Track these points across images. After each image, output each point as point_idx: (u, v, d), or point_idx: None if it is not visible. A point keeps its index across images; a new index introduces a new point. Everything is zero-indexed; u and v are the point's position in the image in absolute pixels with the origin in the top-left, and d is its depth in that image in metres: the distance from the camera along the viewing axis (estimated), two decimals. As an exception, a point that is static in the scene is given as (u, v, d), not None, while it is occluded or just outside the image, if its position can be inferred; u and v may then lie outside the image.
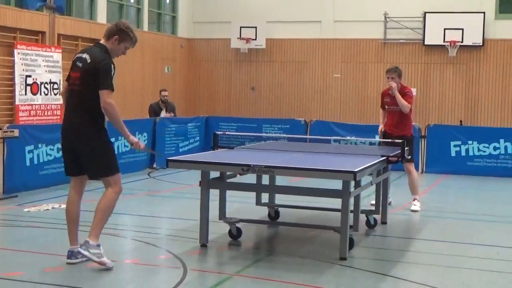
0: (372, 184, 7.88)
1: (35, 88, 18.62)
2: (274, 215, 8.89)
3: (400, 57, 24.25)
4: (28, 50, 18.40)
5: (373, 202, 9.74)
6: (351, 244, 7.15)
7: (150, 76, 24.19)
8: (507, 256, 7.31)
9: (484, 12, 23.20)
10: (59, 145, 11.17)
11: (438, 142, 14.55)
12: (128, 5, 23.80)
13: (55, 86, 19.26)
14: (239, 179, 8.06)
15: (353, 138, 13.63)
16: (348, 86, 25.02)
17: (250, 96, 26.10)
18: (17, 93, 18.00)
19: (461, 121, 23.47)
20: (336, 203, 6.88)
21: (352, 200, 7.05)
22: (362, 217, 8.17)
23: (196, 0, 26.56)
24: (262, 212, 9.00)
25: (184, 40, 26.46)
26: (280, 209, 8.97)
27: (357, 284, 6.10)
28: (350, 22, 24.70)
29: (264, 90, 25.90)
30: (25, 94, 18.28)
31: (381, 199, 8.64)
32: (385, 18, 24.42)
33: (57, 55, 19.34)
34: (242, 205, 9.55)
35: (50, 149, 11.16)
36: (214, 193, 7.55)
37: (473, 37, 23.25)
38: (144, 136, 13.90)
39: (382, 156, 7.87)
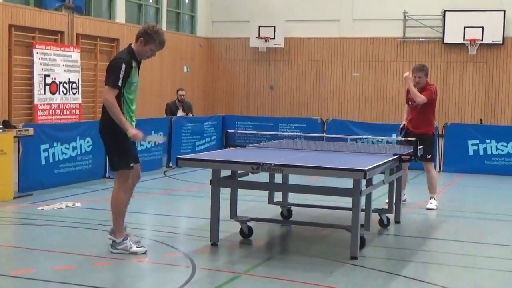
0: (384, 183, 7.81)
1: (54, 87, 18.76)
2: (287, 214, 8.85)
3: (419, 55, 24.11)
4: (47, 49, 18.55)
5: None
6: (363, 243, 7.09)
7: (169, 76, 24.26)
8: (521, 256, 7.23)
9: (504, 10, 23.01)
10: (74, 144, 11.35)
11: (455, 141, 14.42)
12: (147, 5, 23.88)
13: (74, 85, 19.39)
14: (251, 177, 8.03)
15: (369, 137, 13.53)
16: (367, 85, 24.92)
17: (269, 95, 26.09)
18: (36, 92, 18.16)
19: (481, 120, 23.28)
20: (349, 202, 6.82)
21: (363, 199, 6.99)
22: (375, 216, 8.12)
23: (214, -1, 26.61)
24: (275, 211, 8.97)
25: (203, 39, 26.51)
26: (293, 208, 8.93)
27: (366, 283, 6.05)
28: (369, 21, 24.61)
29: (282, 89, 25.88)
30: (44, 93, 18.42)
31: (394, 198, 8.56)
32: (404, 16, 24.29)
33: (75, 55, 19.48)
34: (255, 203, 9.53)
35: (66, 148, 11.20)
36: (228, 192, 7.54)
37: (493, 35, 23.08)
38: (160, 135, 13.91)
39: (394, 154, 7.79)
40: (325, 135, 14.12)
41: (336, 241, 7.64)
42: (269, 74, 26.12)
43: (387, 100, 24.44)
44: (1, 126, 9.89)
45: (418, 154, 8.12)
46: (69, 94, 19.23)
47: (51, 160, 10.89)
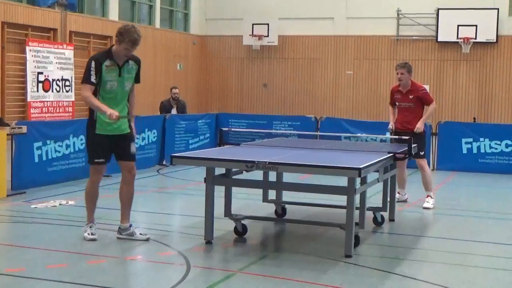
0: (379, 181, 7.80)
1: (47, 85, 18.70)
2: (281, 212, 8.84)
3: (413, 54, 24.14)
4: (40, 47, 18.49)
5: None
6: (357, 242, 7.09)
7: (162, 73, 24.22)
8: (515, 254, 7.23)
9: (497, 9, 23.07)
10: (68, 142, 11.32)
11: (449, 139, 14.44)
12: (140, 2, 23.83)
13: (67, 83, 19.33)
14: (245, 175, 8.01)
15: (363, 135, 13.54)
16: (361, 83, 24.94)
17: (262, 93, 26.08)
18: (29, 90, 18.10)
19: (474, 118, 23.32)
20: (344, 200, 6.82)
21: (358, 197, 6.99)
22: (370, 214, 8.12)
23: (208, -3, 26.57)
24: (269, 209, 8.97)
25: (196, 37, 26.47)
26: (287, 206, 8.93)
27: (361, 281, 6.04)
28: (363, 19, 24.62)
29: (276, 87, 25.87)
30: (37, 91, 18.36)
31: (388, 196, 8.56)
32: (398, 14, 24.32)
33: (69, 52, 19.42)
34: (250, 202, 9.52)
35: (59, 145, 11.17)
36: (222, 190, 7.52)
37: (486, 34, 23.12)
38: (154, 133, 13.89)
39: (389, 152, 7.79)
40: (319, 133, 14.11)
41: (331, 239, 7.64)
42: (262, 72, 26.11)
43: (380, 98, 24.44)
44: (-6, 124, 9.86)
45: (413, 152, 8.11)
46: (62, 91, 19.17)
47: (44, 158, 10.85)
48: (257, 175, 8.05)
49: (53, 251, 6.71)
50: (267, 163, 6.66)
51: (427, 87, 22.19)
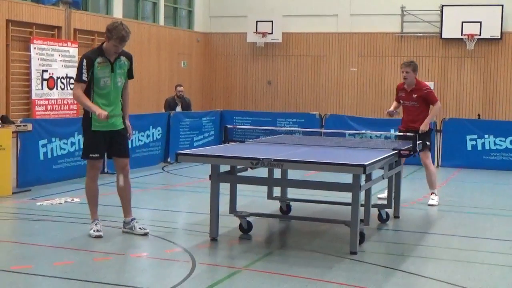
0: (383, 178, 7.81)
1: (51, 82, 18.71)
2: (286, 209, 8.86)
3: (417, 50, 24.11)
4: (44, 45, 18.50)
5: (380, 196, 9.72)
6: (362, 238, 7.10)
7: (166, 71, 24.23)
8: (520, 251, 7.24)
9: (502, 5, 23.02)
10: (73, 139, 11.35)
11: (454, 136, 14.44)
12: (144, 0, 23.83)
13: (72, 80, 19.32)
14: (250, 173, 8.03)
15: (368, 132, 13.54)
16: (365, 80, 24.91)
17: (267, 90, 26.07)
18: (33, 87, 18.12)
19: (479, 115, 23.29)
20: (349, 197, 6.83)
21: (362, 194, 7.00)
22: (374, 211, 8.13)
23: (212, -6, 26.56)
24: (274, 206, 8.98)
25: (201, 35, 26.47)
26: (292, 203, 8.94)
27: (366, 278, 6.04)
28: (367, 16, 24.59)
29: (280, 84, 25.86)
30: (42, 88, 18.39)
31: (393, 193, 8.57)
32: (402, 11, 24.28)
33: (73, 50, 19.43)
34: (255, 199, 9.54)
35: (64, 143, 11.20)
36: (227, 187, 7.54)
37: (491, 30, 23.07)
38: (159, 130, 13.91)
39: (393, 149, 7.80)
40: (323, 130, 14.12)
41: (336, 236, 7.65)
42: (267, 69, 26.10)
43: (385, 95, 24.42)
44: (0, 122, 9.87)
45: (418, 149, 8.12)
46: (67, 89, 19.18)
47: (49, 156, 10.88)
48: (262, 172, 8.07)
49: (59, 248, 6.74)
50: (272, 160, 6.67)
51: (431, 84, 22.19)
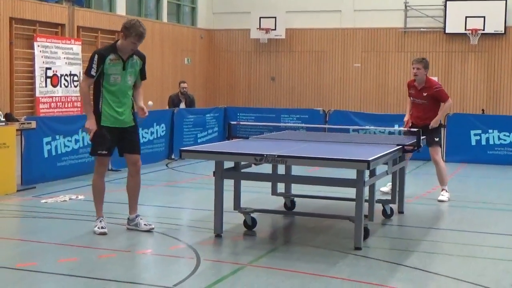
0: (388, 174, 7.81)
1: (55, 80, 18.74)
2: (290, 205, 8.86)
3: (421, 46, 24.07)
4: (48, 42, 18.53)
5: (382, 189, 9.72)
6: (366, 234, 7.10)
7: (170, 68, 24.23)
8: (524, 246, 7.23)
9: (506, 0, 22.93)
10: (77, 137, 11.36)
11: (458, 131, 14.42)
12: (147, -3, 23.83)
13: (75, 78, 19.37)
14: (254, 169, 8.03)
15: (372, 127, 13.53)
16: (368, 76, 24.89)
17: (270, 86, 26.06)
18: (37, 85, 18.15)
19: (483, 110, 23.25)
20: (353, 192, 6.82)
21: (366, 190, 6.99)
22: (379, 207, 8.13)
23: (215, -10, 26.55)
24: (278, 202, 8.98)
25: (204, 31, 26.47)
26: (296, 199, 8.94)
27: (371, 274, 6.04)
28: (370, 11, 24.56)
29: (284, 80, 25.85)
30: (45, 86, 18.42)
31: (397, 188, 8.57)
32: (406, 6, 24.24)
33: (76, 47, 19.46)
34: (259, 195, 9.54)
35: (68, 140, 11.21)
36: (231, 183, 7.54)
37: (494, 25, 23.02)
38: (162, 127, 13.92)
39: (397, 145, 7.79)
40: (327, 126, 14.11)
41: (340, 231, 7.65)
42: (270, 65, 26.09)
43: (389, 91, 24.40)
44: (4, 119, 9.89)
45: (421, 144, 8.11)
46: (71, 86, 19.22)
47: (53, 153, 10.90)
48: (266, 168, 8.07)
49: (63, 245, 6.75)
50: (276, 156, 6.67)
51: (435, 78, 22.13)
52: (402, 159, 8.47)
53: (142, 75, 7.43)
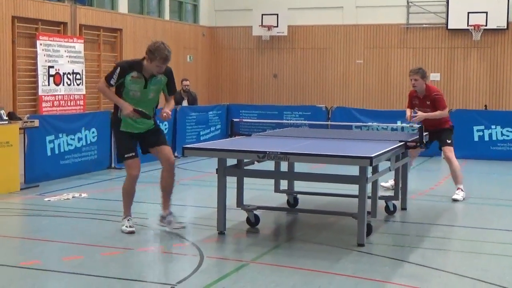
0: (390, 170, 7.81)
1: (58, 78, 18.74)
2: (293, 202, 8.87)
3: (423, 42, 24.02)
4: (50, 41, 18.52)
5: (384, 184, 9.71)
6: (369, 230, 7.11)
7: (172, 65, 23.81)
8: (528, 241, 7.23)
9: (508, -5, 22.89)
10: (80, 135, 11.38)
11: (461, 126, 14.34)
12: (150, -6, 23.81)
13: (78, 76, 19.37)
14: (257, 166, 8.04)
15: (374, 124, 13.53)
16: (371, 72, 24.85)
17: (273, 83, 26.04)
18: (40, 83, 18.14)
19: (486, 106, 23.21)
20: (356, 189, 6.83)
21: (369, 186, 7.00)
22: (382, 203, 8.13)
23: (217, -12, 26.51)
24: (281, 199, 8.99)
25: (206, 29, 26.45)
26: (299, 196, 8.95)
27: (374, 270, 6.05)
28: (372, 8, 24.50)
29: (286, 77, 25.82)
30: (48, 84, 18.41)
31: (400, 184, 8.57)
32: (408, 2, 24.19)
33: (79, 46, 19.44)
34: (261, 192, 9.54)
35: (71, 139, 11.23)
36: (234, 181, 7.55)
37: (497, 21, 22.95)
38: (165, 125, 13.93)
39: (400, 141, 7.79)
40: (330, 122, 14.11)
41: (343, 228, 7.66)
42: (272, 62, 26.06)
43: (391, 87, 24.37)
44: (7, 118, 9.90)
45: (424, 141, 8.11)
46: (73, 85, 19.22)
47: (56, 151, 10.92)
48: (269, 165, 8.08)
49: (67, 244, 6.76)
50: (279, 153, 6.68)
51: (437, 75, 22.11)
52: (405, 156, 8.48)
53: (169, 90, 7.40)
